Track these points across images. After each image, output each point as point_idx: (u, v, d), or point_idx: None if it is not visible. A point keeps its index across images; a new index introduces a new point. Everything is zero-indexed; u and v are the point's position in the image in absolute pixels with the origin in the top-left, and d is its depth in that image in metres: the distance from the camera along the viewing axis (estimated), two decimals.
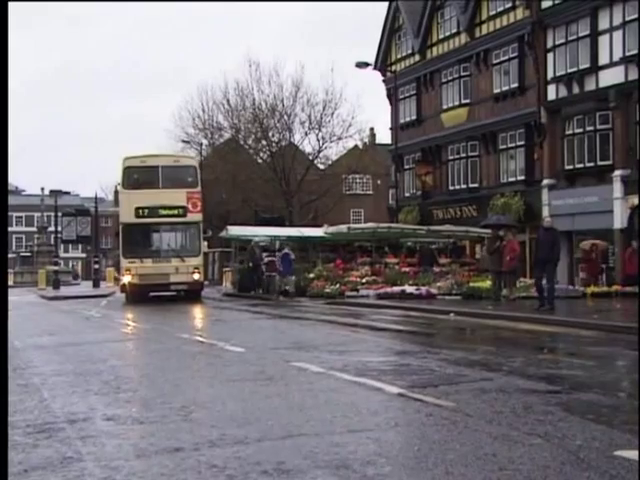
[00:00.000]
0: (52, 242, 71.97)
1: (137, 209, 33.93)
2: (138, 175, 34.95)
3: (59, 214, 65.95)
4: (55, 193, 65.64)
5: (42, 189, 73.75)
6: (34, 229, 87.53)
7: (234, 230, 42.30)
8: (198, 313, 27.95)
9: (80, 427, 8.15)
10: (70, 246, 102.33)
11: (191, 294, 34.47)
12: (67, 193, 74.73)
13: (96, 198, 68.48)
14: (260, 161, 63.09)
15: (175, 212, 34.23)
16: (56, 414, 8.88)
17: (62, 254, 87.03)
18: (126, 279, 33.73)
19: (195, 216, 34.72)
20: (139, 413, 8.80)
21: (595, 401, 9.19)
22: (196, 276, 34.19)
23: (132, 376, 11.88)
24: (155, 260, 33.90)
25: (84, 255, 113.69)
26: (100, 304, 33.64)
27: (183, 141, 63.26)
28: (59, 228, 66.63)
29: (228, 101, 61.07)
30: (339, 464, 6.57)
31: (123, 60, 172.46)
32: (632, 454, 6.54)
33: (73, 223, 68.09)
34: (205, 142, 64.38)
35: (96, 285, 54.93)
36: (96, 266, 60.57)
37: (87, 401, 9.65)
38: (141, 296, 33.68)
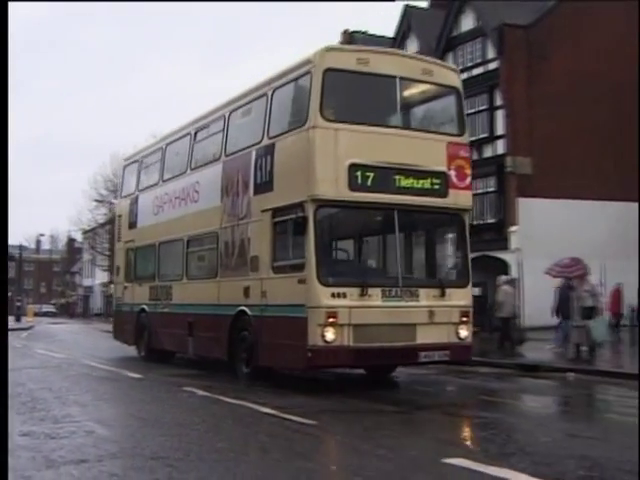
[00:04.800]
0: None
1: (354, 169, 12.10)
2: (352, 90, 13.11)
3: None
4: None
5: None
6: None
7: None
8: None
9: None
10: None
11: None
12: None
13: (20, 246, 67.00)
14: None
15: (427, 184, 12.75)
16: None
17: None
18: (327, 336, 11.49)
19: (462, 197, 13.13)
20: (51, 430, 8.59)
21: (429, 419, 9.44)
22: (464, 332, 12.69)
23: (46, 398, 11.56)
24: (388, 294, 12.09)
25: (9, 294, 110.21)
26: (21, 336, 32.56)
27: (96, 200, 62.32)
28: None
29: None
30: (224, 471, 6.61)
31: (40, 132, 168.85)
32: (456, 461, 6.75)
33: None
34: (115, 201, 63.98)
35: (18, 319, 53.63)
36: (18, 304, 59.66)
37: None
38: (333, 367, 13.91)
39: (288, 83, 13.18)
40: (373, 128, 12.50)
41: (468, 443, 7.73)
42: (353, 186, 11.99)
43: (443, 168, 12.88)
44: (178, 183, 16.99)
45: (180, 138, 17.36)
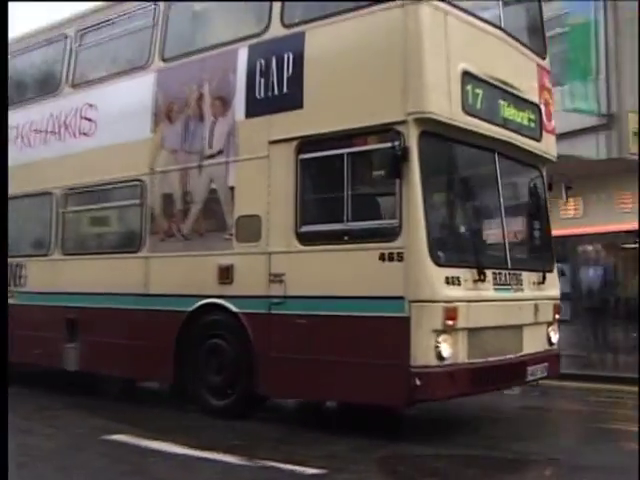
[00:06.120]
0: None
1: (467, 79, 6.91)
2: None
3: None
4: None
5: None
6: None
7: None
8: None
9: None
10: None
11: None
12: None
13: None
14: None
15: (525, 119, 7.84)
16: None
17: None
18: (444, 350, 6.27)
19: (551, 143, 8.41)
20: None
21: (105, 402, 9.26)
22: (555, 335, 8.01)
23: None
24: (498, 281, 7.02)
25: None
26: None
27: None
28: None
29: None
30: None
31: None
32: (117, 437, 6.82)
33: None
34: None
35: None
36: None
37: None
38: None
39: None
40: (480, 24, 7.45)
41: (133, 421, 7.84)
42: (466, 106, 6.99)
43: (537, 99, 8.25)
44: (41, 109, 10.53)
45: (44, 44, 10.80)
